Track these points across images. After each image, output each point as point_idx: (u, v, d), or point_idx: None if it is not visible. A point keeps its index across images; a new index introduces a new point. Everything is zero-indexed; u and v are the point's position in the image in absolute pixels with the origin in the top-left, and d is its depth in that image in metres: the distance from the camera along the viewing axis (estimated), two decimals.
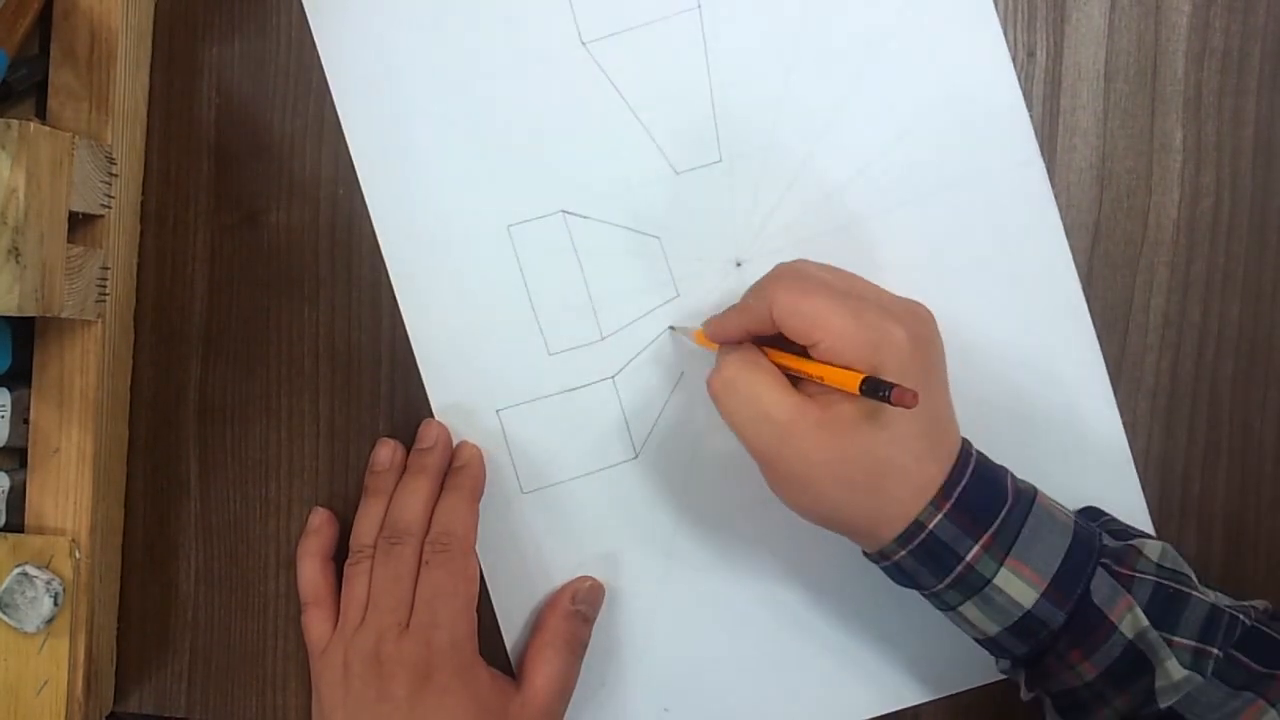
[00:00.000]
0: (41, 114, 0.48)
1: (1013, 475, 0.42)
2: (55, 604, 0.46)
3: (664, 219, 0.50)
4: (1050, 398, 0.49)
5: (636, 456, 0.50)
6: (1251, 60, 0.49)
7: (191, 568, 0.51)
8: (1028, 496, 0.41)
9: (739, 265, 0.49)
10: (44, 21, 0.47)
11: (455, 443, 0.50)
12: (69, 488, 0.47)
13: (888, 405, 0.38)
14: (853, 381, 0.39)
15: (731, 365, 0.42)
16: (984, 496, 0.41)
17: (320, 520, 0.50)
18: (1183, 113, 0.49)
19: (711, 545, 0.50)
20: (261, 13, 0.51)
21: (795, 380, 0.42)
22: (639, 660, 0.50)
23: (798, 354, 0.42)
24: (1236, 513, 0.49)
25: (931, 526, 0.40)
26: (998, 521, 0.40)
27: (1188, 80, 0.49)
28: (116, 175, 0.48)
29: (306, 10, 0.50)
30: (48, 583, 0.46)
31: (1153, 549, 0.42)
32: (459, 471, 0.49)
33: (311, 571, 0.49)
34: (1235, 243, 0.49)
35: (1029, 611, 0.40)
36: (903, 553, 0.41)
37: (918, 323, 0.42)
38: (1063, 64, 0.49)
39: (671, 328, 0.50)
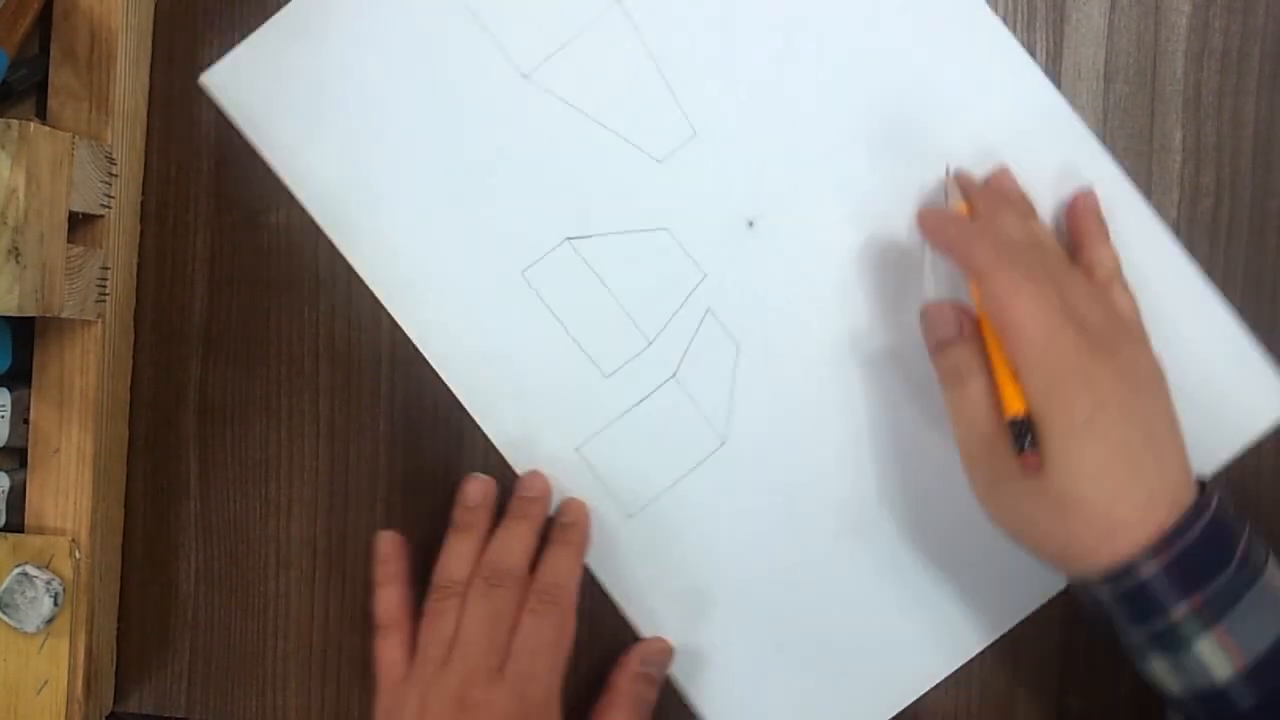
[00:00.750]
0: (41, 114, 0.48)
1: (1251, 533, 0.40)
2: (55, 604, 0.46)
3: (664, 209, 0.50)
4: None
5: (724, 443, 0.50)
6: (1251, 60, 0.49)
7: (191, 568, 0.52)
8: (1258, 563, 0.39)
9: (751, 224, 0.49)
10: (44, 21, 0.47)
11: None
12: (69, 488, 0.47)
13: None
14: (1009, 409, 0.39)
15: (968, 364, 0.42)
16: (1209, 556, 0.38)
17: (392, 545, 0.48)
18: (1182, 113, 0.49)
19: (827, 501, 0.49)
20: (261, 13, 0.51)
21: None
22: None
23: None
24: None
25: (1144, 576, 0.38)
26: (1215, 584, 0.38)
27: (1187, 80, 0.49)
28: (116, 175, 0.48)
29: (250, 139, 0.50)
30: (48, 583, 0.46)
31: None
32: (568, 528, 0.48)
33: (393, 597, 0.47)
34: (1235, 243, 0.49)
35: (1219, 688, 0.38)
36: (1105, 590, 0.39)
37: (1125, 351, 0.40)
38: (1062, 64, 0.49)
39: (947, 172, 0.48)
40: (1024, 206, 0.46)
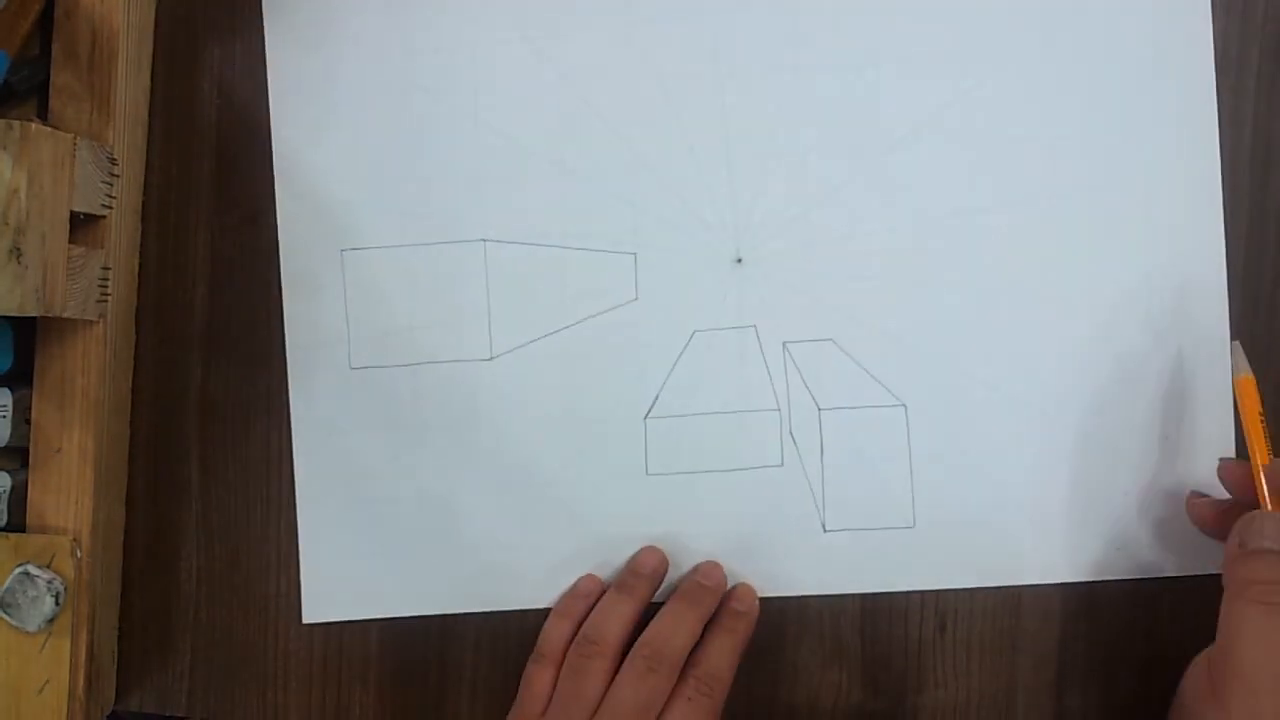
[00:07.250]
0: (43, 115, 0.48)
1: None
2: (57, 603, 0.46)
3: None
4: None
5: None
6: (1251, 60, 0.49)
7: (193, 567, 0.52)
8: None
9: (739, 261, 0.49)
10: (45, 22, 0.47)
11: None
12: (70, 487, 0.47)
13: None
14: None
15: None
16: None
17: (591, 587, 0.49)
18: None
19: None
20: (262, 13, 0.51)
21: None
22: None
23: None
24: None
25: None
26: None
27: None
28: (118, 175, 0.48)
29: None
30: (49, 582, 0.46)
31: None
32: (738, 615, 0.48)
33: (565, 633, 0.48)
34: (1235, 243, 0.49)
35: None
36: None
37: None
38: None
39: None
40: None
